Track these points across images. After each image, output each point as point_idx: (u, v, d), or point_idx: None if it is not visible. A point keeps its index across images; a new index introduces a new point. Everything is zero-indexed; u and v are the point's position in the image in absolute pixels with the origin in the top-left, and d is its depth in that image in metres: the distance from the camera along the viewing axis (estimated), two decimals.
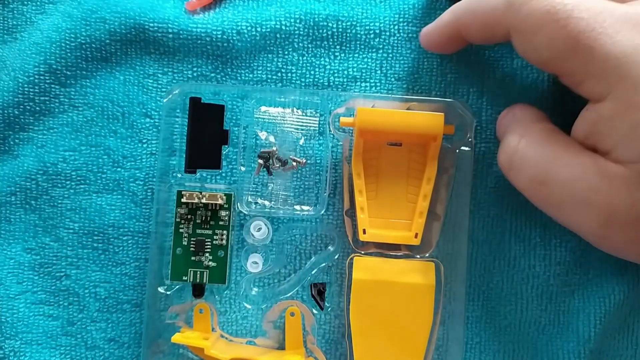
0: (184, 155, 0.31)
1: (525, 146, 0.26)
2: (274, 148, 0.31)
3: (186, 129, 0.31)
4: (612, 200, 0.24)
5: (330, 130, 0.31)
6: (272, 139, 0.32)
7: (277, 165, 0.32)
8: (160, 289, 0.31)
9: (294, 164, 0.32)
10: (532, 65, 0.31)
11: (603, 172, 0.24)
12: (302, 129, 0.32)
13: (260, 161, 0.31)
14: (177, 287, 0.32)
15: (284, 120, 0.32)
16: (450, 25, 0.29)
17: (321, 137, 0.32)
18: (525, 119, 0.28)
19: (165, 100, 0.31)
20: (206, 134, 0.31)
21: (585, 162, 0.25)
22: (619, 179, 0.23)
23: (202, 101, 0.31)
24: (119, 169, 0.32)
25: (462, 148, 0.31)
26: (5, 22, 0.33)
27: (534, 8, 0.24)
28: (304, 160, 0.32)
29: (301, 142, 0.32)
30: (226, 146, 0.31)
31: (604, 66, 0.23)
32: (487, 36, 0.27)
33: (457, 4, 0.28)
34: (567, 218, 0.26)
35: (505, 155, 0.27)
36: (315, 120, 0.32)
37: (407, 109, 0.31)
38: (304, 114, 0.32)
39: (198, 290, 0.32)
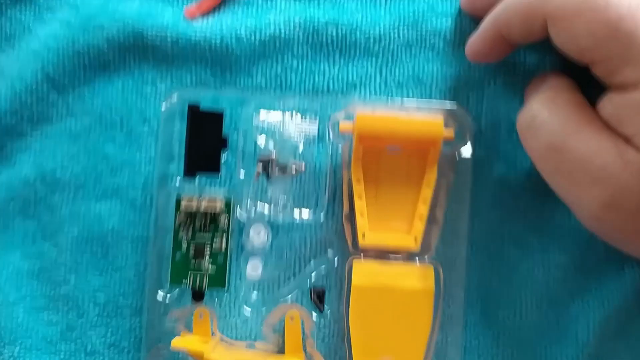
0: (183, 160, 0.31)
1: (551, 110, 0.26)
2: (273, 153, 0.32)
3: (185, 137, 0.31)
4: (621, 184, 0.24)
5: (329, 136, 0.32)
6: (271, 144, 0.32)
7: (277, 170, 0.32)
8: (160, 294, 0.32)
9: (294, 169, 0.32)
10: (532, 71, 0.32)
11: (621, 156, 0.24)
12: (301, 135, 0.32)
13: (260, 166, 0.32)
14: (177, 292, 0.32)
15: (283, 125, 0.32)
16: (491, 29, 0.28)
17: (320, 143, 0.32)
18: (556, 85, 0.28)
19: (163, 108, 0.32)
20: (205, 141, 0.31)
21: (606, 141, 0.24)
22: (634, 165, 0.24)
23: (200, 109, 0.31)
24: (117, 176, 0.33)
25: (462, 153, 0.31)
26: (3, 29, 0.33)
27: None
28: (303, 166, 0.32)
29: (300, 147, 0.32)
30: (225, 149, 0.32)
31: None
32: (527, 31, 0.27)
33: (496, 7, 0.28)
34: (571, 191, 0.26)
35: (528, 115, 0.27)
36: (314, 126, 0.32)
37: (407, 114, 0.31)
38: (303, 120, 0.32)
39: (198, 295, 0.32)
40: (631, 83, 0.24)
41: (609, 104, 0.25)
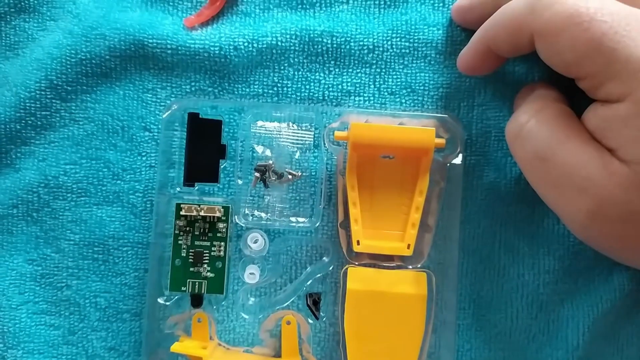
0: (183, 169, 0.31)
1: (538, 121, 0.26)
2: (270, 161, 0.32)
3: (185, 143, 0.31)
4: (607, 193, 0.24)
5: (324, 144, 0.32)
6: (268, 152, 0.32)
7: (273, 178, 0.32)
8: (160, 299, 0.32)
9: (290, 176, 0.32)
10: (521, 81, 0.32)
11: (606, 167, 0.24)
12: (297, 143, 0.32)
13: (257, 174, 0.32)
14: (176, 297, 0.32)
15: (279, 134, 0.32)
16: (480, 43, 0.29)
17: (316, 151, 0.32)
18: (545, 96, 0.28)
19: (164, 116, 0.32)
20: (204, 149, 0.31)
21: (592, 152, 0.25)
22: (619, 176, 0.24)
23: (200, 116, 0.31)
24: (118, 182, 0.33)
25: (453, 161, 0.31)
26: (7, 38, 0.34)
27: (557, 11, 0.24)
28: (300, 173, 0.32)
29: (296, 155, 0.32)
30: (224, 160, 0.32)
31: (626, 67, 0.23)
32: (514, 45, 0.27)
33: (485, 22, 0.29)
34: (558, 200, 0.26)
35: (516, 124, 0.27)
36: (310, 135, 0.32)
37: (400, 123, 0.31)
38: (299, 128, 0.32)
39: (196, 301, 0.32)
40: (614, 97, 0.24)
41: (593, 117, 0.25)
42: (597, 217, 0.25)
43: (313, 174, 0.32)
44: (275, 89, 0.33)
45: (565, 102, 0.28)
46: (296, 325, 0.32)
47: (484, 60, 0.29)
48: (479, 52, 0.29)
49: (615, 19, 0.24)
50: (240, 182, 0.32)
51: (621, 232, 0.25)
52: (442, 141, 0.30)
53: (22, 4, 0.34)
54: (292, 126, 0.32)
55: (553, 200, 0.26)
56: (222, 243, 0.32)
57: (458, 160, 0.31)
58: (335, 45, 0.33)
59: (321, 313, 0.32)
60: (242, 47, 0.32)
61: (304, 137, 0.32)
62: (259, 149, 0.32)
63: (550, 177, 0.26)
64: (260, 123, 0.32)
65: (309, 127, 0.32)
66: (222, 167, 0.32)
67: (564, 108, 0.27)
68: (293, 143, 0.32)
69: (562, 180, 0.25)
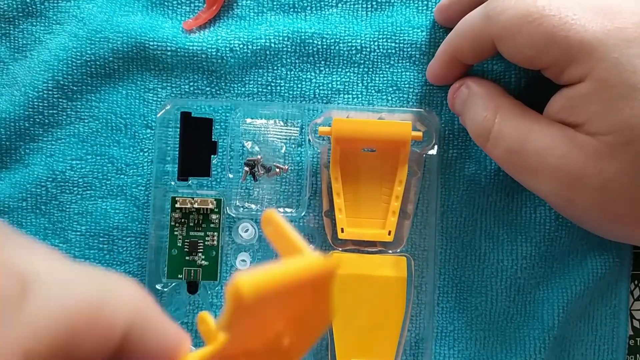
0: (177, 165, 0.32)
1: (502, 121, 0.28)
2: (259, 156, 0.33)
3: (178, 141, 0.32)
4: (581, 166, 0.26)
5: (309, 139, 0.33)
6: (257, 148, 0.33)
7: (262, 172, 0.33)
8: (158, 286, 0.33)
9: (277, 170, 0.33)
10: (499, 78, 0.33)
11: (573, 142, 0.26)
12: (284, 139, 0.33)
13: (247, 168, 0.33)
14: (173, 284, 0.33)
15: (267, 130, 0.33)
16: (445, 53, 0.30)
17: (301, 146, 0.33)
18: (491, 93, 0.29)
19: (158, 115, 0.32)
20: (196, 145, 0.32)
21: (556, 133, 0.26)
22: (588, 148, 0.25)
23: (192, 115, 0.32)
24: (122, 176, 0.34)
25: (429, 152, 0.32)
26: (16, 41, 0.34)
27: (510, 15, 0.26)
28: (286, 167, 0.33)
29: (283, 150, 0.33)
30: (215, 155, 0.33)
31: (581, 51, 0.25)
32: (478, 52, 0.29)
33: (448, 35, 0.30)
34: (539, 184, 0.27)
35: (481, 130, 0.29)
36: (295, 130, 0.33)
37: (379, 118, 0.32)
38: (285, 125, 0.33)
39: (192, 287, 0.33)
40: (577, 79, 0.26)
41: (560, 99, 0.27)
42: (578, 188, 0.26)
43: (299, 167, 0.33)
44: (269, 88, 0.34)
45: (505, 94, 0.30)
46: None
47: (450, 69, 0.31)
48: (445, 62, 0.31)
49: (562, 11, 0.26)
50: (231, 176, 0.33)
51: (600, 201, 0.26)
52: (419, 134, 0.31)
53: (30, 8, 0.34)
54: (279, 123, 0.33)
55: (534, 185, 0.28)
56: (215, 233, 0.33)
57: (434, 151, 0.32)
58: (325, 47, 0.33)
59: None
60: (238, 48, 0.33)
61: (290, 133, 0.33)
62: (248, 144, 0.33)
63: (527, 165, 0.27)
64: (249, 120, 0.33)
65: (295, 123, 0.33)
66: (213, 162, 0.33)
67: (515, 101, 0.29)
68: (280, 139, 0.33)
69: (539, 165, 0.27)
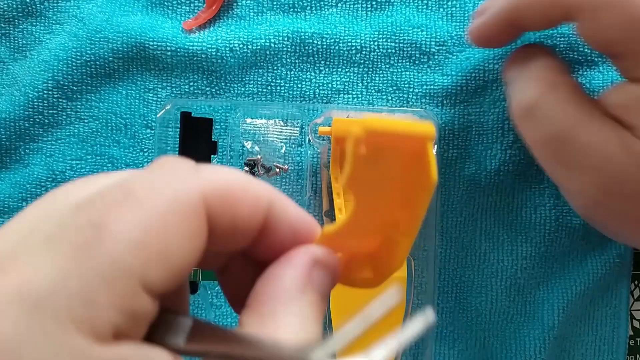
0: None
1: (552, 101, 0.25)
2: (259, 156, 0.33)
3: (178, 140, 0.32)
4: (623, 171, 0.23)
5: (309, 139, 0.33)
6: (257, 148, 0.33)
7: (262, 171, 0.33)
8: None
9: (277, 170, 0.33)
10: (500, 79, 0.33)
11: (626, 146, 0.23)
12: (284, 139, 0.33)
13: (247, 168, 0.33)
14: None
15: (267, 130, 0.33)
16: (505, 15, 0.27)
17: (301, 146, 0.33)
18: (551, 67, 0.26)
19: (158, 115, 0.33)
20: (196, 145, 0.32)
21: (609, 131, 0.24)
22: (637, 155, 0.23)
23: (192, 115, 0.32)
24: None
25: None
26: (16, 41, 0.34)
27: None
28: (286, 167, 0.33)
29: (283, 150, 0.33)
30: (215, 155, 0.33)
31: None
32: (545, 21, 0.26)
33: None
34: (572, 179, 0.25)
35: (525, 103, 0.26)
36: (295, 130, 0.33)
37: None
38: (285, 125, 0.33)
39: (192, 287, 0.33)
40: None
41: (621, 93, 0.24)
42: (611, 194, 0.24)
43: (299, 167, 0.33)
44: (269, 87, 0.34)
45: (569, 72, 0.26)
46: None
47: (505, 33, 0.28)
48: (501, 24, 0.27)
49: None
50: None
51: (631, 209, 0.24)
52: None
53: (30, 8, 0.34)
54: (279, 123, 0.33)
55: (565, 180, 0.25)
56: None
57: (434, 151, 0.32)
58: (325, 46, 0.34)
59: None
60: (238, 48, 0.33)
61: (290, 132, 0.33)
62: (248, 144, 0.33)
63: (567, 158, 0.25)
64: (249, 120, 0.33)
65: (295, 123, 0.33)
66: (213, 162, 0.33)
67: (573, 82, 0.26)
68: (280, 139, 0.33)
69: (577, 160, 0.24)
